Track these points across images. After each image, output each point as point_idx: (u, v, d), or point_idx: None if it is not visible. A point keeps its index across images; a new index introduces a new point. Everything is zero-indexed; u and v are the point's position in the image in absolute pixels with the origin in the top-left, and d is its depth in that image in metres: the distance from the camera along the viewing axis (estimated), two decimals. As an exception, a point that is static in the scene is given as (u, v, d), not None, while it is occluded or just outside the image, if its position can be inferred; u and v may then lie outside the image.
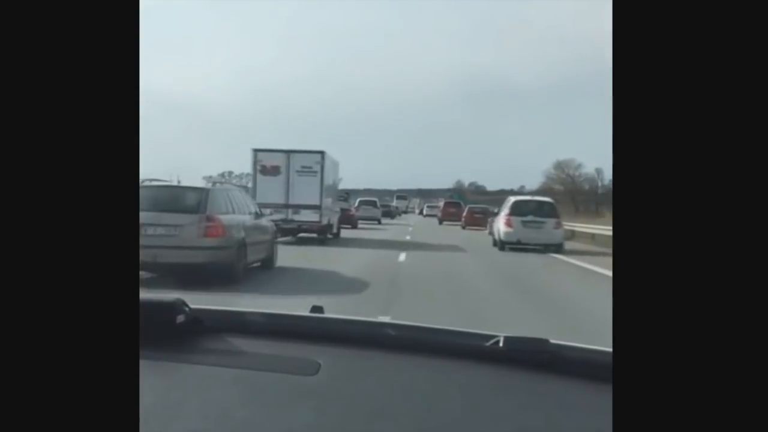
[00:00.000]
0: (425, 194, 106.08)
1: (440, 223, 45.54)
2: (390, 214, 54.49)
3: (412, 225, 40.52)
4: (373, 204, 42.49)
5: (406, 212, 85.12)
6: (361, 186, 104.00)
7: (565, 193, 70.92)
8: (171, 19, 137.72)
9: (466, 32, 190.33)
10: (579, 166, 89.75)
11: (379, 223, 39.95)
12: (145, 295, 1.00)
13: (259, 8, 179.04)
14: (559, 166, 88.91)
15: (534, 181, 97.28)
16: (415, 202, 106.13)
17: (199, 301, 1.34)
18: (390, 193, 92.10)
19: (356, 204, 40.44)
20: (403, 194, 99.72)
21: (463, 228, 37.34)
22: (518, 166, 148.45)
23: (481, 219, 36.65)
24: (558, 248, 18.90)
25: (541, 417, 1.02)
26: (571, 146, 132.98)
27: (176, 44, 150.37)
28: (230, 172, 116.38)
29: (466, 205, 42.61)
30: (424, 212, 73.18)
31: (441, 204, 51.33)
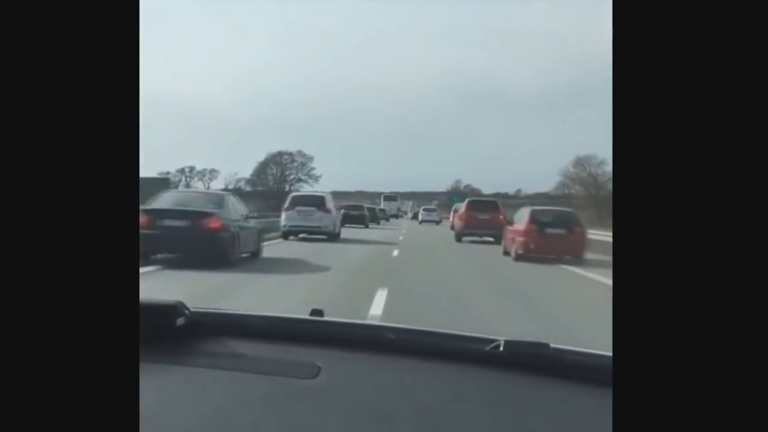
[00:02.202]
0: (419, 197, 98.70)
1: (458, 239, 26.08)
2: (362, 220, 37.60)
3: (399, 242, 23.49)
4: (318, 203, 22.40)
5: (397, 216, 72.92)
6: (352, 188, 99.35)
7: (588, 198, 60.58)
8: (158, 18, 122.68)
9: (462, 34, 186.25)
10: (601, 163, 71.36)
11: (334, 238, 22.16)
12: (144, 297, 0.99)
13: (250, 8, 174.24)
14: (579, 163, 76.24)
15: (531, 185, 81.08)
16: (408, 204, 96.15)
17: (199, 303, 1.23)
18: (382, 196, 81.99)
19: (287, 204, 22.93)
20: (393, 195, 77.77)
21: (515, 257, 16.90)
22: (514, 169, 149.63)
23: (565, 241, 16.00)
24: None
25: (542, 421, 1.02)
26: (570, 150, 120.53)
27: (166, 43, 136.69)
28: (191, 168, 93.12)
29: (527, 209, 17.94)
30: (420, 217, 59.12)
31: (461, 207, 28.08)
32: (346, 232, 28.13)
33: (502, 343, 1.17)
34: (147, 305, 1.03)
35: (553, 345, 1.17)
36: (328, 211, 21.57)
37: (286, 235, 21.57)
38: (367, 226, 37.28)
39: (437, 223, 54.03)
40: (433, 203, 69.38)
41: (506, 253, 17.80)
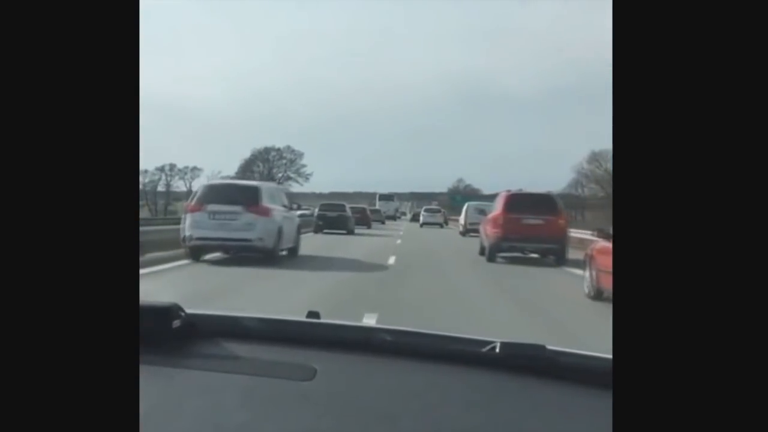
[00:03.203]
0: (419, 197, 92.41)
1: (491, 257, 15.32)
2: (343, 224, 28.39)
3: (389, 268, 12.86)
4: (246, 199, 12.47)
5: (394, 218, 65.23)
6: (350, 189, 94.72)
7: (604, 198, 53.37)
8: (161, 19, 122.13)
9: (462, 36, 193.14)
10: (619, 159, 58.74)
11: (276, 258, 12.47)
12: (140, 300, 1.01)
13: (251, 10, 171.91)
14: (595, 158, 68.94)
15: (532, 186, 78.92)
16: (407, 205, 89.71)
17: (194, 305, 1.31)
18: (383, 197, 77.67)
19: (193, 199, 12.98)
20: (389, 194, 69.13)
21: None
22: (515, 170, 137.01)
23: None
24: None
25: (539, 423, 1.02)
26: (575, 149, 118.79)
27: (166, 45, 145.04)
28: (172, 165, 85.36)
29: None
30: (422, 219, 49.16)
31: (497, 206, 15.98)
32: (318, 242, 19.04)
33: (499, 344, 1.18)
34: (143, 307, 1.03)
35: (549, 347, 1.18)
36: (264, 212, 12.20)
37: (195, 254, 12.13)
38: (351, 232, 27.58)
39: (442, 225, 44.86)
40: (433, 204, 60.78)
41: (599, 295, 8.54)
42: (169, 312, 1.17)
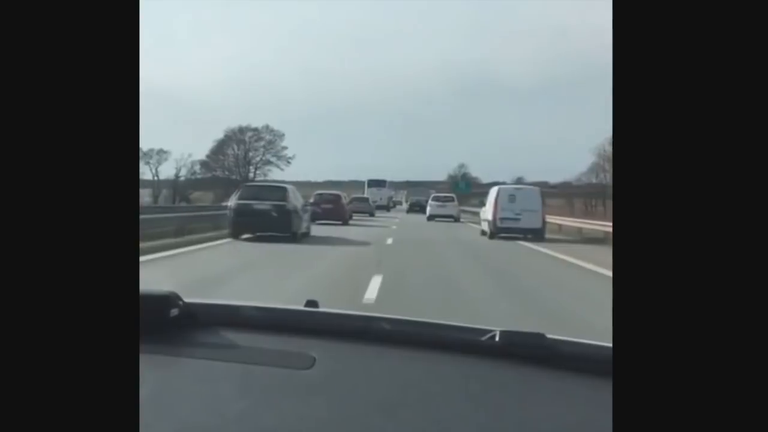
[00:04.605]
0: (415, 185, 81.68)
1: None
2: (280, 223, 15.29)
3: None
4: None
5: (387, 208, 56.80)
6: (346, 178, 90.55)
7: None
8: (159, 12, 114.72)
9: (461, 25, 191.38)
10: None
11: None
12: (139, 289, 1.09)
13: (247, 2, 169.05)
14: None
15: (532, 174, 78.52)
16: (402, 194, 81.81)
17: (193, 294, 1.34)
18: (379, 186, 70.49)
19: None
20: (380, 180, 56.78)
21: None
22: (520, 157, 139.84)
23: None
24: None
25: (539, 411, 1.04)
26: (590, 132, 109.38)
27: (165, 36, 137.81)
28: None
29: None
30: (429, 210, 37.87)
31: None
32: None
33: (498, 333, 1.19)
34: (141, 296, 1.03)
35: (549, 335, 1.19)
36: None
37: None
38: (296, 238, 15.51)
39: (455, 219, 32.75)
40: (432, 192, 49.53)
41: None
42: (167, 300, 1.18)
